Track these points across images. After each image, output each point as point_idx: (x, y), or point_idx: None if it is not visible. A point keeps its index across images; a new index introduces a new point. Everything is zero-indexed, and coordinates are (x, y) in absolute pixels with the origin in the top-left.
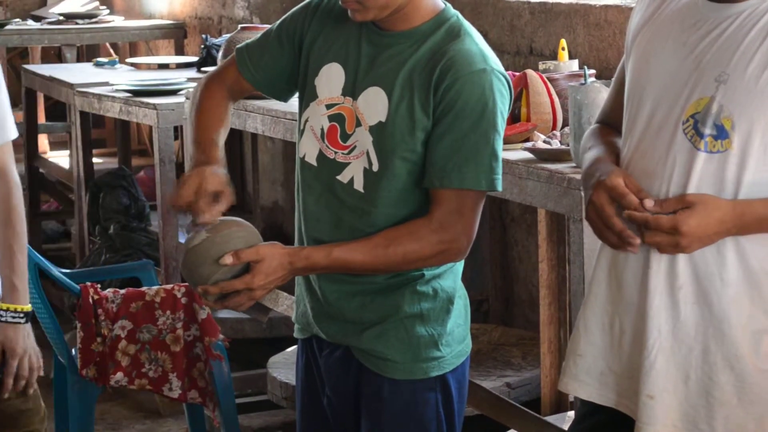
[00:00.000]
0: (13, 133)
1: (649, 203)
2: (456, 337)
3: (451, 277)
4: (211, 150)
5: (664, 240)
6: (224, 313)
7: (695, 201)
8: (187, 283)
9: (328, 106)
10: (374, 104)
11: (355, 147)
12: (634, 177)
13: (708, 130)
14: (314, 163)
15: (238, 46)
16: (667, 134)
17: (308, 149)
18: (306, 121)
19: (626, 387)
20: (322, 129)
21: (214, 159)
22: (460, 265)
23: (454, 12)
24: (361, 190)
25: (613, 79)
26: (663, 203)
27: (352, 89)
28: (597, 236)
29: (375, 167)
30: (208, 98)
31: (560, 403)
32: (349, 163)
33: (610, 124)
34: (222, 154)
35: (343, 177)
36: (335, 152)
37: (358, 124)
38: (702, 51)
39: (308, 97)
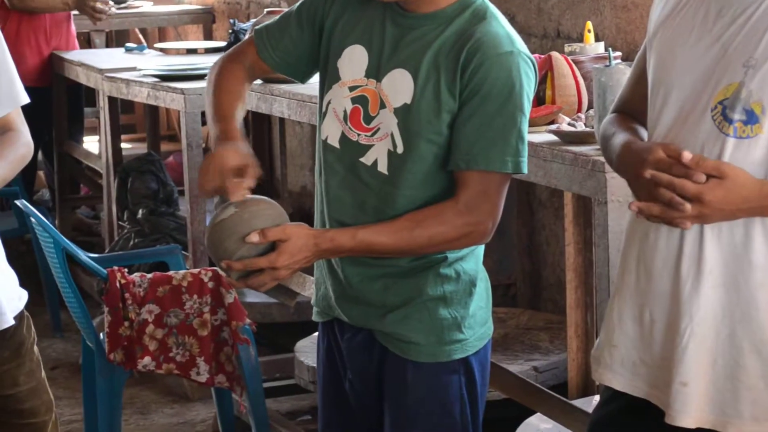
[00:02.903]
0: (24, 99)
1: (687, 156)
2: (478, 320)
3: (473, 260)
4: (230, 125)
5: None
6: (252, 298)
7: (729, 174)
8: (214, 268)
9: (351, 88)
10: (399, 86)
11: (378, 129)
12: None
13: (737, 116)
14: (337, 145)
15: (257, 27)
16: (695, 122)
17: (330, 131)
18: (328, 103)
19: (657, 377)
20: (345, 111)
21: (233, 134)
22: (481, 248)
23: None
24: (386, 172)
25: (631, 67)
26: (701, 162)
27: (376, 71)
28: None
29: (400, 149)
30: (225, 77)
31: (587, 387)
32: (372, 145)
33: (628, 112)
34: (241, 127)
35: (367, 159)
36: (358, 134)
37: (383, 106)
38: (728, 38)
39: (330, 79)
